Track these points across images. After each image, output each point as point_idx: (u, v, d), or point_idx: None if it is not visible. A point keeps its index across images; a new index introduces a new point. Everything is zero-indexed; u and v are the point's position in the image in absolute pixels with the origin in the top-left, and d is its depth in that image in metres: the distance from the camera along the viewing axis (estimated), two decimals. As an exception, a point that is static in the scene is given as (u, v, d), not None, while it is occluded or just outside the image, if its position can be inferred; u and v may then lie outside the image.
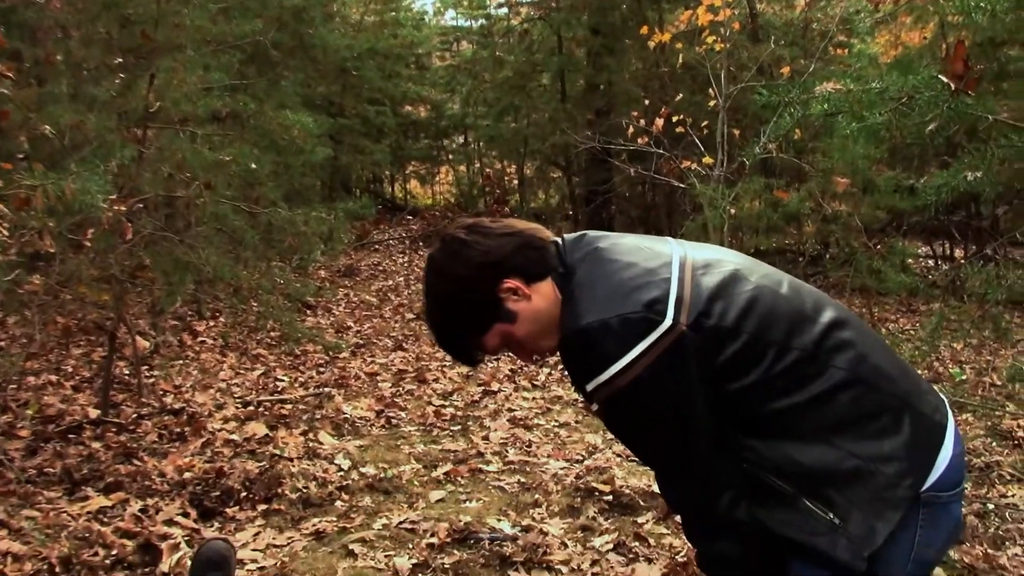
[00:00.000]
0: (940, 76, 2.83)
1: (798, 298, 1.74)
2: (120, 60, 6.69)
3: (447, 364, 7.30)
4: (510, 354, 1.87)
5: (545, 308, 1.80)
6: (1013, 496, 4.20)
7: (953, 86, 2.76)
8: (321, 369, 7.05)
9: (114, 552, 3.58)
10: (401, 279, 11.81)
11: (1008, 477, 4.47)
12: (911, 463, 1.64)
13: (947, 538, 1.74)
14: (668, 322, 1.61)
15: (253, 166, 5.95)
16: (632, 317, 1.61)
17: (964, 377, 6.39)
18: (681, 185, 8.30)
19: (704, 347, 1.63)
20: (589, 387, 1.65)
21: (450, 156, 19.08)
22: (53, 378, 6.11)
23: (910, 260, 10.13)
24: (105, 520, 3.90)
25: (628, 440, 1.80)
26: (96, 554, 3.54)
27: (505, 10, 16.59)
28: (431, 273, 1.84)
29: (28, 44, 8.00)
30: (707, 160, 8.31)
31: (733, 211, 7.74)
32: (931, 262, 11.52)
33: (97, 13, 6.56)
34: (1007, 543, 3.67)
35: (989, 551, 3.52)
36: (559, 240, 1.89)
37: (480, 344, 1.85)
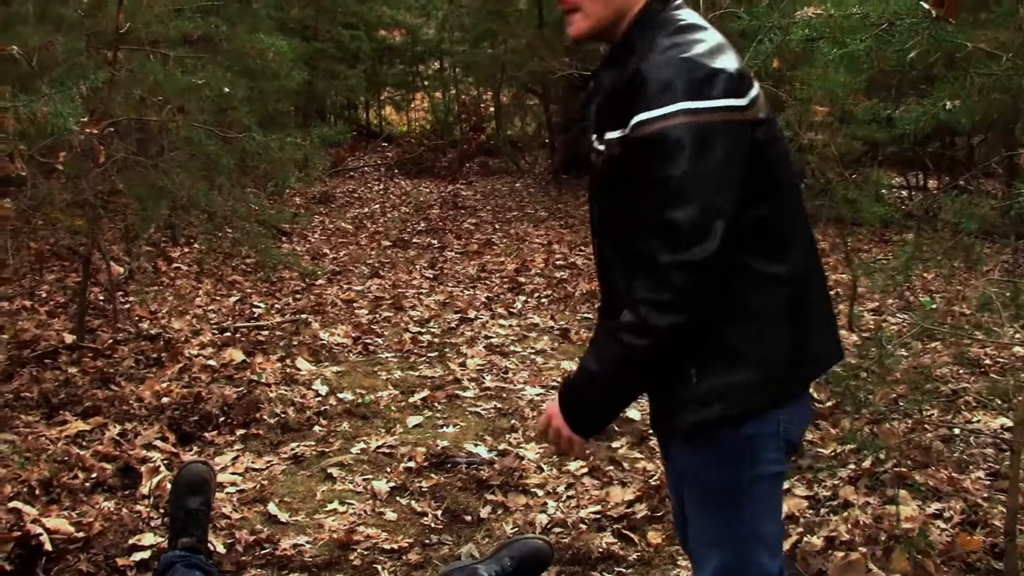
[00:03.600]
0: (921, 2, 2.82)
1: None
2: (87, -22, 6.53)
3: (424, 292, 7.32)
4: None
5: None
6: (978, 421, 4.30)
7: (934, 13, 2.75)
8: (297, 296, 7.05)
9: (94, 475, 3.61)
10: (376, 206, 11.76)
11: (974, 403, 4.55)
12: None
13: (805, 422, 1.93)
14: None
15: (227, 90, 5.86)
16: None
17: (934, 306, 6.48)
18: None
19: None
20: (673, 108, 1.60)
21: (425, 82, 18.85)
22: (27, 303, 6.08)
23: (884, 191, 10.17)
24: (84, 444, 3.93)
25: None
26: (76, 477, 3.58)
27: (482, -68, 16.28)
28: None
29: (-9, -38, 7.78)
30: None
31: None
32: (905, 193, 11.57)
33: (63, -72, 6.38)
34: (971, 467, 3.77)
35: (954, 474, 3.61)
36: None
37: None
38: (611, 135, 1.72)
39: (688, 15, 1.76)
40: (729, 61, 1.65)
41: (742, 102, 1.63)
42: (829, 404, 4.44)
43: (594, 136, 1.83)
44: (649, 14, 1.76)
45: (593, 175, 1.85)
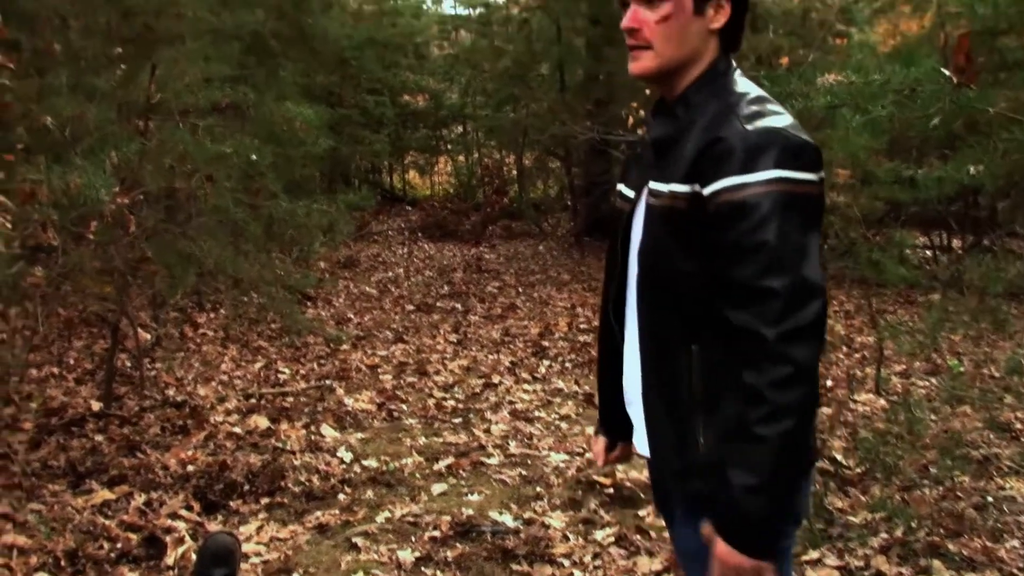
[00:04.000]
0: (942, 69, 2.84)
1: None
2: (120, 51, 6.68)
3: (448, 356, 7.31)
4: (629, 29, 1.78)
5: (697, 38, 1.77)
6: (1011, 488, 4.22)
7: (955, 79, 2.77)
8: (322, 361, 7.06)
9: (119, 545, 3.60)
10: (401, 270, 11.81)
11: (1006, 469, 4.48)
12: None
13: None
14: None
15: (254, 157, 5.95)
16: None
17: (962, 369, 6.41)
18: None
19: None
20: (759, 176, 1.61)
21: (449, 146, 19.04)
22: (56, 370, 6.12)
23: (908, 251, 10.12)
24: (109, 513, 3.93)
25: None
26: (101, 547, 3.57)
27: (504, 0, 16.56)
28: None
29: (28, 34, 7.98)
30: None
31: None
32: (929, 253, 11.52)
33: (98, 3, 6.55)
34: (1005, 535, 3.69)
35: (988, 543, 3.54)
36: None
37: None
38: (676, 188, 1.71)
39: (751, 84, 1.79)
40: (808, 137, 1.68)
41: (822, 176, 1.67)
42: (859, 470, 4.38)
43: (646, 183, 1.82)
44: (714, 74, 1.78)
45: (647, 222, 1.80)
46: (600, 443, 2.17)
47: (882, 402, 5.71)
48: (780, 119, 1.67)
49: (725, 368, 1.65)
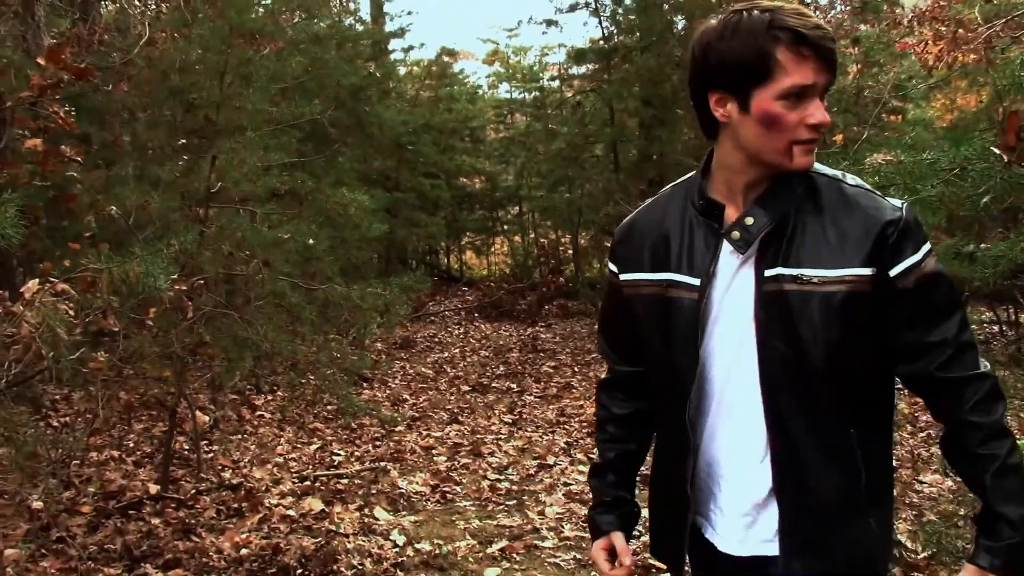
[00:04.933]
0: (992, 148, 2.82)
1: None
2: (183, 142, 6.92)
3: (502, 437, 7.28)
4: None
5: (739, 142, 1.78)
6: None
7: (1006, 157, 2.75)
8: (377, 443, 7.07)
9: (171, 630, 3.60)
10: (456, 351, 11.85)
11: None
12: None
13: None
14: None
15: (311, 242, 6.08)
16: None
17: (1032, 448, 6.20)
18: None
19: None
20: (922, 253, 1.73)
21: (505, 227, 19.23)
22: (115, 454, 6.22)
23: (974, 327, 9.90)
24: (163, 598, 3.94)
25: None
26: (154, 632, 3.57)
27: (558, 83, 16.83)
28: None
29: (97, 128, 8.31)
30: (761, 229, 8.26)
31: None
32: (996, 328, 11.26)
33: (163, 97, 6.82)
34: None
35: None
36: None
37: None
38: (853, 272, 1.71)
39: None
40: None
41: None
42: (924, 555, 4.24)
43: (740, 270, 1.81)
44: None
45: (801, 312, 1.76)
46: (619, 540, 2.09)
47: (949, 483, 5.54)
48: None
49: (878, 442, 1.83)
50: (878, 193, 1.79)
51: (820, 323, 1.73)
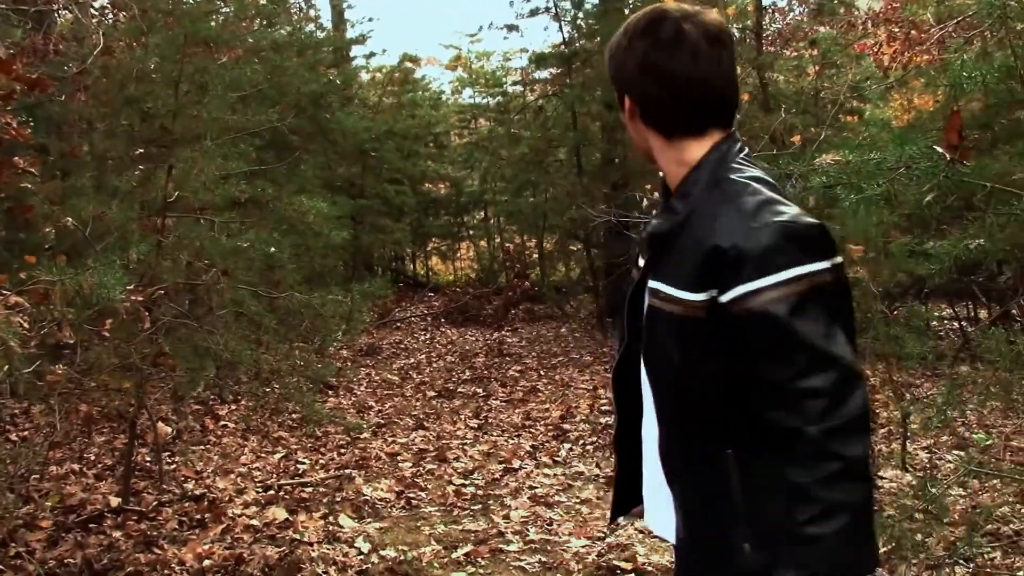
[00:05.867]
0: (936, 147, 2.87)
1: None
2: (141, 151, 6.87)
3: (468, 442, 7.29)
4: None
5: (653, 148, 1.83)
6: (1043, 564, 4.12)
7: (948, 156, 2.80)
8: (342, 450, 7.05)
9: (131, 644, 3.58)
10: (423, 356, 11.84)
11: (1038, 545, 4.38)
12: None
13: None
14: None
15: (272, 250, 6.05)
16: None
17: (990, 442, 6.31)
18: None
19: None
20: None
21: (470, 232, 19.23)
22: (76, 467, 6.16)
23: (934, 323, 10.02)
24: (123, 611, 3.91)
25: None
26: (113, 646, 3.54)
27: (521, 87, 16.87)
28: (640, 33, 1.83)
29: (54, 138, 8.23)
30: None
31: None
32: (955, 324, 11.42)
33: (119, 107, 6.76)
34: (1037, 614, 3.59)
35: (1018, 623, 3.45)
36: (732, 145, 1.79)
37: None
38: (689, 296, 1.67)
39: (752, 167, 1.75)
40: (812, 219, 1.65)
41: (835, 260, 1.64)
42: (885, 549, 4.29)
43: (647, 277, 1.81)
44: (707, 164, 1.76)
45: (655, 328, 1.76)
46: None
47: (908, 478, 5.61)
48: (783, 209, 1.63)
49: (765, 469, 1.60)
50: (775, 206, 1.63)
51: (662, 345, 1.74)
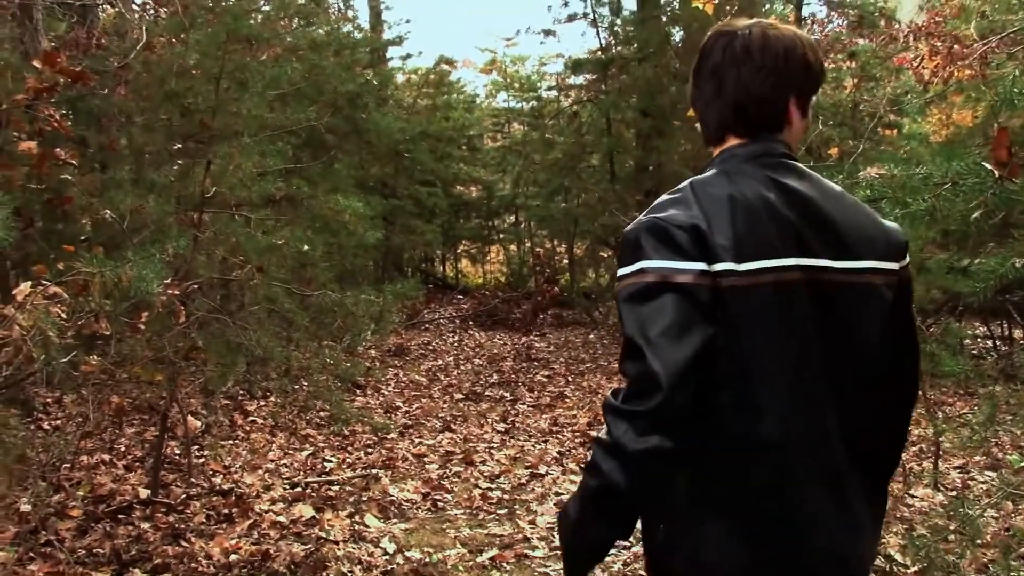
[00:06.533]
0: (984, 163, 2.83)
1: None
2: (179, 146, 6.92)
3: (494, 446, 7.27)
4: None
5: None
6: (1077, 590, 4.05)
7: (997, 172, 2.75)
8: (369, 450, 7.06)
9: (158, 636, 3.59)
10: (451, 358, 11.85)
11: (1072, 570, 4.30)
12: None
13: None
14: None
15: (305, 248, 6.07)
16: None
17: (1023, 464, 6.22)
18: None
19: None
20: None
21: (501, 236, 19.24)
22: (106, 457, 6.20)
23: (967, 341, 9.90)
24: (151, 602, 3.93)
25: None
26: (140, 638, 3.56)
27: (555, 92, 16.87)
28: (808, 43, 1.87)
29: (94, 131, 8.30)
30: (756, 241, 8.27)
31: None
32: (990, 343, 11.28)
33: (159, 102, 6.81)
34: (1071, 641, 3.53)
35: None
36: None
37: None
38: None
39: (720, 173, 1.81)
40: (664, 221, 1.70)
41: (659, 264, 1.68)
42: (915, 569, 4.24)
43: None
44: (707, 168, 1.87)
45: None
46: None
47: (940, 497, 5.55)
48: (668, 208, 1.71)
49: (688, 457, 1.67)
50: (667, 206, 1.73)
51: None
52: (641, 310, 1.61)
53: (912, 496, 5.60)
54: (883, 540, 4.66)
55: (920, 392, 7.57)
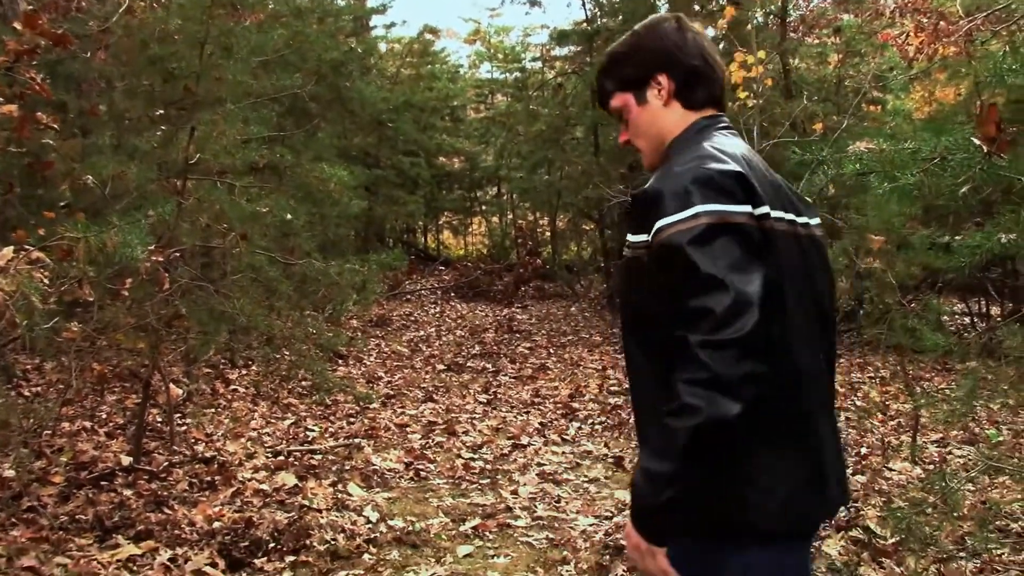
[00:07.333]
0: (973, 138, 2.84)
1: None
2: (162, 112, 6.84)
3: (477, 417, 7.29)
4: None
5: (662, 124, 2.00)
6: (1052, 562, 4.11)
7: (985, 148, 2.76)
8: (351, 419, 7.07)
9: (142, 602, 3.59)
10: (432, 329, 11.85)
11: (1047, 542, 4.37)
12: None
13: None
14: None
15: (289, 217, 6.04)
16: None
17: (1001, 438, 6.29)
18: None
19: None
20: None
21: (483, 207, 19.22)
22: (88, 424, 6.18)
23: (945, 317, 9.99)
24: (135, 568, 3.93)
25: None
26: (125, 603, 3.56)
27: (540, 64, 16.79)
28: (629, 32, 2.06)
29: (74, 96, 8.20)
30: (739, 215, 8.29)
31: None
32: (968, 319, 11.39)
33: (142, 66, 6.72)
34: (1046, 611, 3.59)
35: (1027, 619, 3.45)
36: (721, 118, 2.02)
37: (610, 96, 2.06)
38: (633, 239, 1.85)
39: (724, 139, 1.90)
40: (726, 167, 1.78)
41: (741, 208, 1.75)
42: (893, 541, 4.29)
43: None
44: (684, 138, 1.95)
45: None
46: None
47: (918, 471, 5.61)
48: (707, 160, 1.78)
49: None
50: (705, 160, 1.78)
51: (623, 287, 2.00)
52: (708, 249, 1.67)
53: (890, 469, 5.66)
54: (862, 512, 4.72)
55: (899, 367, 7.61)
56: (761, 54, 8.49)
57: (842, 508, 2.04)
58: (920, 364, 8.75)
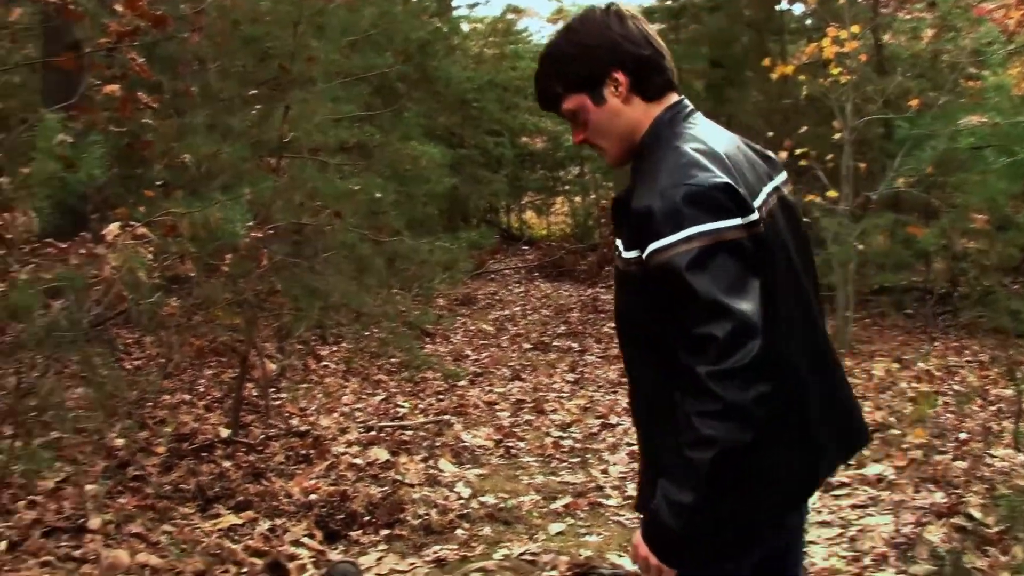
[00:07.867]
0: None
1: None
2: (255, 92, 6.95)
3: (564, 396, 7.29)
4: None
5: (626, 121, 1.91)
6: None
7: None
8: (440, 397, 7.13)
9: (244, 570, 3.69)
10: (518, 309, 11.87)
11: None
12: None
13: None
14: None
15: (378, 195, 6.09)
16: None
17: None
18: (804, 219, 8.15)
19: None
20: None
21: (566, 187, 19.12)
22: (187, 397, 6.34)
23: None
24: (236, 537, 4.02)
25: None
26: (227, 571, 3.66)
27: (624, 42, 16.62)
28: (564, 29, 2.00)
29: (169, 77, 8.37)
30: (831, 194, 8.11)
31: (861, 246, 7.53)
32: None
33: (235, 47, 6.84)
34: None
35: None
36: (684, 103, 1.96)
37: (560, 99, 1.96)
38: (627, 254, 1.80)
39: (698, 128, 1.88)
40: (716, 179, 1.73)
41: (734, 221, 1.71)
42: (998, 529, 4.17)
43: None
44: (656, 132, 1.89)
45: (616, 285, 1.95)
46: None
47: (1022, 457, 5.44)
48: (695, 172, 1.72)
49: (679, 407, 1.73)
50: (690, 170, 1.73)
51: (617, 297, 1.92)
52: (705, 272, 1.65)
53: (992, 456, 5.50)
54: (963, 499, 4.59)
55: (999, 351, 7.36)
56: (855, 28, 8.27)
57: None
58: (1021, 347, 8.48)
